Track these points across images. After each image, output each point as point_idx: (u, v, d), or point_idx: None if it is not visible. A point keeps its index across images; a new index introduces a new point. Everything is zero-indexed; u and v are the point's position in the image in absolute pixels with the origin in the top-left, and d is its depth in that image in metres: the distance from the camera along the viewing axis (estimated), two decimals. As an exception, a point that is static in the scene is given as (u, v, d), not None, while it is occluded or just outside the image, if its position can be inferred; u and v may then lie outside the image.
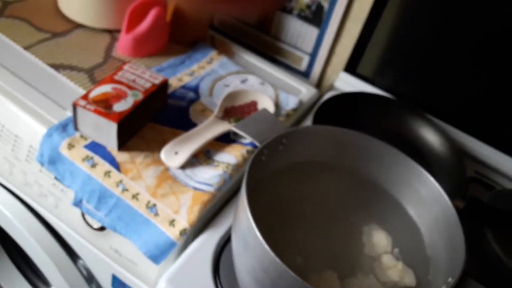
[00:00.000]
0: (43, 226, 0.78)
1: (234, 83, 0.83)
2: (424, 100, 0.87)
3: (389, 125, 0.83)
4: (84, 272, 0.83)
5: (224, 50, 0.92)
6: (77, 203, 0.65)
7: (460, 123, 0.85)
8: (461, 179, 0.72)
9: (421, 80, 0.88)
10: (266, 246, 0.42)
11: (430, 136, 0.81)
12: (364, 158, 0.61)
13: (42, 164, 0.66)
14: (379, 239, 0.56)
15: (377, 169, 0.61)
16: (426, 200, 0.57)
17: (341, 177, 0.61)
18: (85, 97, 0.63)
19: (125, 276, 0.70)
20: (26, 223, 0.77)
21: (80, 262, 0.82)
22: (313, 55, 0.95)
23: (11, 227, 0.80)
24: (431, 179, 0.56)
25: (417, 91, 0.89)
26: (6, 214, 0.78)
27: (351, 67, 0.91)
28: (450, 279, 0.47)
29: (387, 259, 0.54)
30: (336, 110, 0.79)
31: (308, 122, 0.82)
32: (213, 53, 0.89)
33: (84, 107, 0.62)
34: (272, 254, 0.41)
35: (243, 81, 0.84)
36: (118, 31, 0.85)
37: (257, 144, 0.54)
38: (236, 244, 0.50)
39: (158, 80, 0.69)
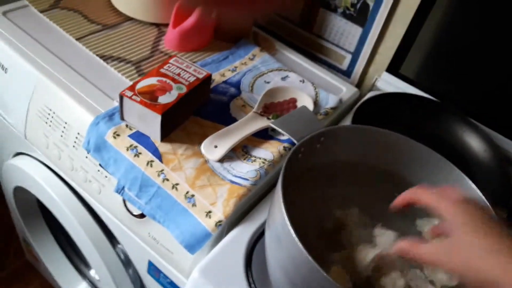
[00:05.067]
0: (87, 210, 0.82)
1: (274, 79, 0.84)
2: (468, 104, 0.84)
3: (431, 128, 0.81)
4: (122, 256, 0.87)
5: (267, 47, 0.93)
6: (119, 190, 0.67)
7: (507, 130, 0.82)
8: (505, 187, 0.70)
9: (466, 83, 0.85)
10: (300, 245, 0.42)
11: (473, 142, 0.78)
12: (403, 161, 0.60)
13: (88, 151, 0.69)
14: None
15: (416, 172, 0.60)
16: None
17: (379, 178, 0.61)
18: (131, 88, 0.66)
19: (160, 263, 0.72)
20: (71, 207, 0.81)
21: (119, 246, 0.86)
22: (356, 54, 0.94)
23: (58, 209, 0.84)
24: (473, 186, 0.54)
25: (461, 95, 0.86)
26: (53, 197, 0.82)
27: (394, 68, 0.89)
28: None
29: None
30: (376, 110, 0.78)
31: (348, 121, 0.82)
32: (255, 50, 0.90)
33: (130, 97, 0.64)
34: (305, 253, 0.41)
35: (284, 78, 0.85)
36: (166, 25, 0.87)
37: (295, 141, 0.55)
38: (269, 239, 0.51)
39: (202, 74, 0.71)
